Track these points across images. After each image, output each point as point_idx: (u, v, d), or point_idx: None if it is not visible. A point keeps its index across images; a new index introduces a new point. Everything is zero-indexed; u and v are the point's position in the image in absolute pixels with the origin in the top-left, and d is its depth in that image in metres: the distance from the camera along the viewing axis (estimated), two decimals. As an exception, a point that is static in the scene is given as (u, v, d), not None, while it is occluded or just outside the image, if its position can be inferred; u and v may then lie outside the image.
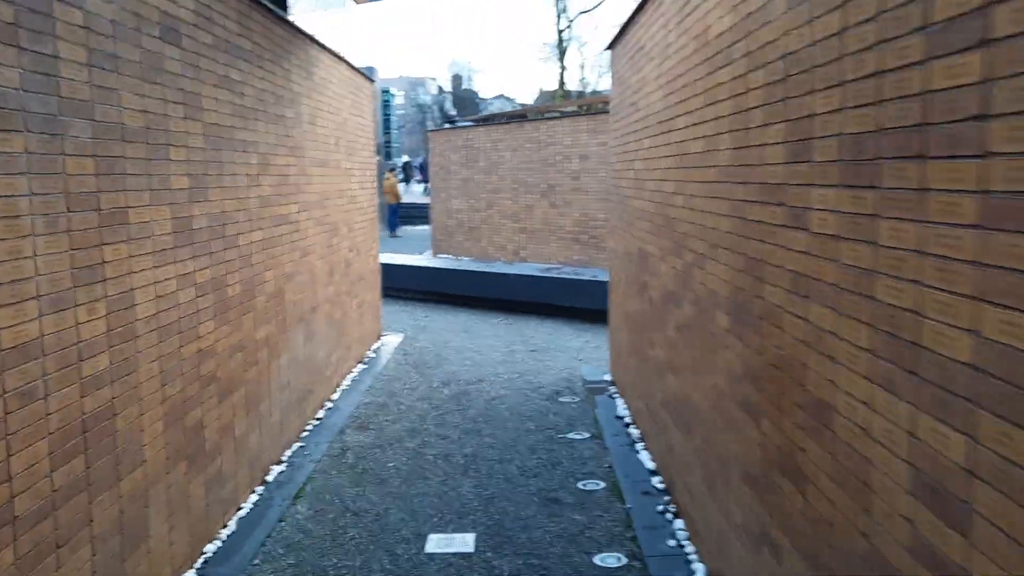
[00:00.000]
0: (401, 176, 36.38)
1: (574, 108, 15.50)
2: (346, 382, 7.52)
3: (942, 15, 1.63)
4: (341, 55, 7.48)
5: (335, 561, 4.09)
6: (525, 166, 13.45)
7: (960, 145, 1.57)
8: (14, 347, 2.52)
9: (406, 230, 23.51)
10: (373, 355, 8.76)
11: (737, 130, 3.16)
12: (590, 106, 14.55)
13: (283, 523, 4.53)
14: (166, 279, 3.64)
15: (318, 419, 6.40)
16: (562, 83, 30.08)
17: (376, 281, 9.39)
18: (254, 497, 4.80)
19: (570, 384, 7.53)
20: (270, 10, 5.24)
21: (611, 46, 6.88)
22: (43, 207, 2.68)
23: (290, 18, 5.84)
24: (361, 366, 8.20)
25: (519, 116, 15.62)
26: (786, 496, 2.65)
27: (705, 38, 3.64)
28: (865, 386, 2.02)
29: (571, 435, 6.01)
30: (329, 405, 6.80)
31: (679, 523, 4.34)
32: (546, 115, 14.21)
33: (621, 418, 6.32)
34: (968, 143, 1.54)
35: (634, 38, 5.66)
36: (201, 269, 4.04)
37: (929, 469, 1.70)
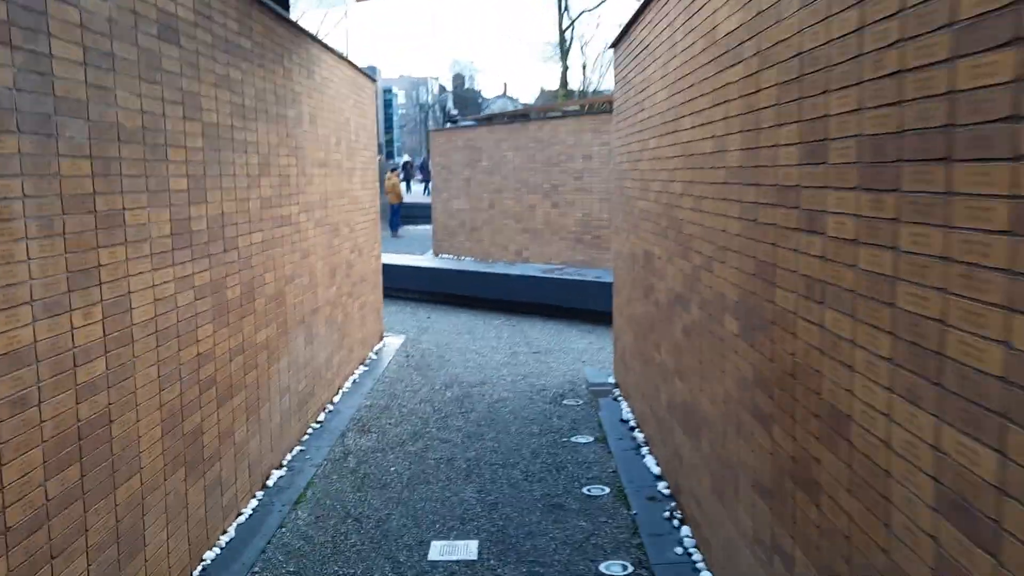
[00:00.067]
0: (401, 176, 36.33)
1: (576, 107, 15.42)
2: (347, 384, 7.46)
3: (969, 12, 1.57)
4: (343, 54, 7.42)
5: (336, 569, 4.02)
6: (527, 166, 13.38)
7: (990, 147, 1.50)
8: (6, 353, 2.46)
9: (407, 230, 23.45)
10: (375, 357, 8.69)
11: (748, 130, 3.09)
12: (593, 105, 14.47)
13: (283, 529, 4.46)
14: (164, 282, 3.57)
15: (319, 422, 6.34)
16: (564, 82, 30.02)
17: (378, 282, 9.33)
18: (254, 503, 4.74)
19: (574, 387, 7.46)
20: (271, 9, 5.17)
21: (614, 45, 6.81)
22: (37, 209, 2.62)
23: (292, 17, 5.78)
24: (363, 368, 8.14)
25: (522, 115, 15.55)
26: (799, 506, 2.58)
27: (713, 36, 3.57)
28: (884, 396, 1.95)
29: (575, 439, 5.94)
30: (330, 408, 6.73)
31: (686, 530, 4.27)
32: (549, 114, 14.14)
33: (626, 421, 6.25)
34: (999, 145, 1.47)
35: (638, 37, 5.59)
36: (200, 271, 3.97)
37: (954, 484, 1.63)
